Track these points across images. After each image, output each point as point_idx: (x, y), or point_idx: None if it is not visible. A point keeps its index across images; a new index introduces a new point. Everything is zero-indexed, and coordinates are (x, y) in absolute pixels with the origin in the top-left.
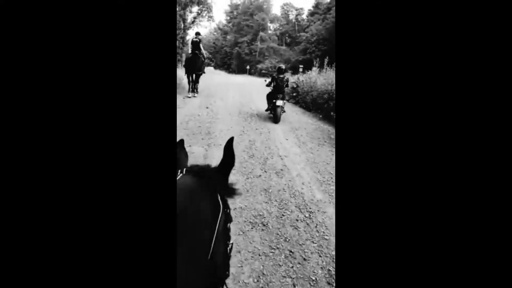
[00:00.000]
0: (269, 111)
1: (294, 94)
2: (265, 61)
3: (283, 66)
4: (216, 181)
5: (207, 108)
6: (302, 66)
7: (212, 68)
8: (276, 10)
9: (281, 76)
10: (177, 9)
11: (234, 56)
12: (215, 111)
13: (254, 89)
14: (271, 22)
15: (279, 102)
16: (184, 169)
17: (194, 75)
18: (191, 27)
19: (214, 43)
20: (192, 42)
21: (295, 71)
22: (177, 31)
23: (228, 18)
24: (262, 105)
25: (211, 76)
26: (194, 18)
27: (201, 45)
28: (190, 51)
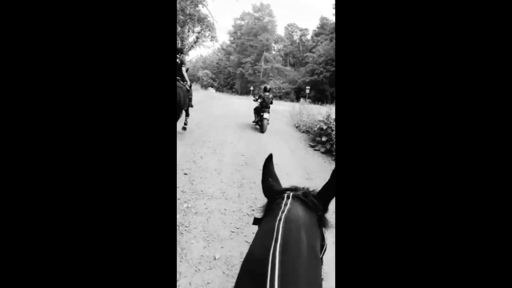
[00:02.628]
0: (255, 123)
1: (324, 140)
2: (269, 82)
3: (268, 86)
4: (321, 212)
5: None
6: (309, 87)
7: (213, 89)
8: (280, 30)
9: (267, 93)
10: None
11: (238, 76)
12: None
13: (272, 130)
14: (275, 42)
15: (265, 115)
16: (291, 194)
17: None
18: (193, 47)
19: (217, 63)
20: None
21: (300, 93)
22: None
23: (232, 38)
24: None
25: (210, 103)
26: (197, 37)
27: (183, 68)
28: None
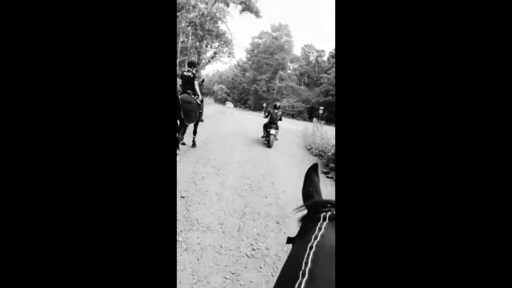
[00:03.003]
0: (264, 138)
1: None
2: (283, 100)
3: (278, 104)
4: None
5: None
6: (323, 108)
7: (231, 104)
8: (297, 50)
9: (276, 110)
10: (193, 40)
11: (252, 92)
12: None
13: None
14: (291, 62)
15: (272, 131)
16: (328, 215)
17: (184, 126)
18: (210, 62)
19: (233, 78)
20: (183, 76)
21: (313, 112)
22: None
23: (249, 56)
24: None
25: (220, 118)
26: (215, 53)
27: (196, 82)
28: (180, 90)
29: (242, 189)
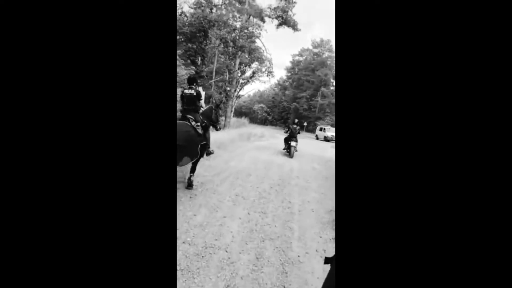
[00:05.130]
0: (285, 150)
1: None
2: (326, 118)
3: (296, 120)
4: None
5: None
6: None
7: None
8: None
9: (294, 126)
10: (224, 58)
11: (292, 111)
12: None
13: None
14: (334, 78)
15: (293, 143)
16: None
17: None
18: (249, 82)
19: (273, 97)
20: (184, 95)
21: None
22: (221, 83)
23: (289, 74)
24: None
25: (239, 145)
26: (253, 72)
27: (202, 103)
28: (179, 115)
29: None
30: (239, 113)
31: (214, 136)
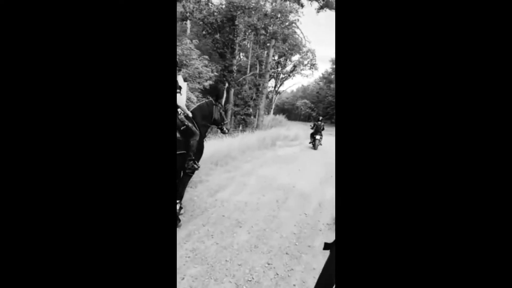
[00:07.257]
0: (310, 143)
1: None
2: None
3: (320, 117)
4: None
5: None
6: None
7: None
8: None
9: (319, 122)
10: (255, 48)
11: None
12: None
13: None
14: None
15: (317, 137)
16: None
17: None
18: (290, 76)
19: (317, 92)
20: None
21: None
22: (252, 77)
23: (334, 66)
24: None
25: (256, 155)
26: (294, 66)
27: (183, 95)
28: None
29: None
30: (281, 109)
31: (219, 144)
